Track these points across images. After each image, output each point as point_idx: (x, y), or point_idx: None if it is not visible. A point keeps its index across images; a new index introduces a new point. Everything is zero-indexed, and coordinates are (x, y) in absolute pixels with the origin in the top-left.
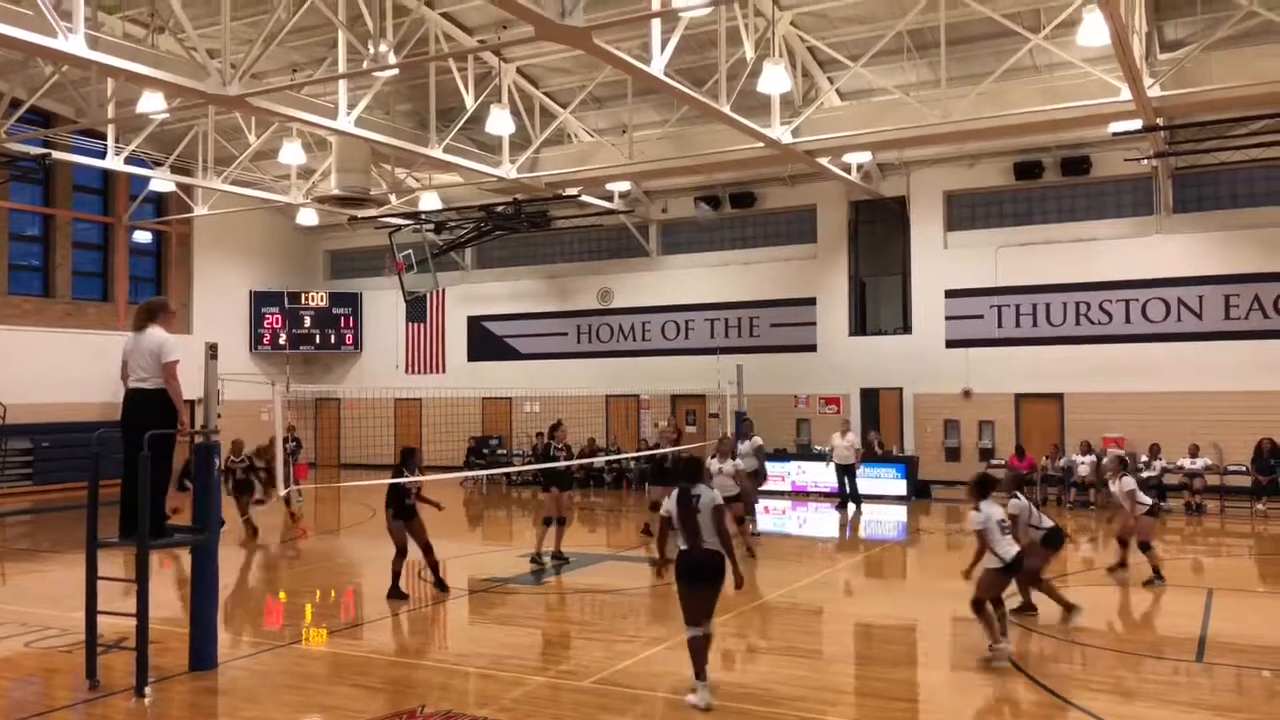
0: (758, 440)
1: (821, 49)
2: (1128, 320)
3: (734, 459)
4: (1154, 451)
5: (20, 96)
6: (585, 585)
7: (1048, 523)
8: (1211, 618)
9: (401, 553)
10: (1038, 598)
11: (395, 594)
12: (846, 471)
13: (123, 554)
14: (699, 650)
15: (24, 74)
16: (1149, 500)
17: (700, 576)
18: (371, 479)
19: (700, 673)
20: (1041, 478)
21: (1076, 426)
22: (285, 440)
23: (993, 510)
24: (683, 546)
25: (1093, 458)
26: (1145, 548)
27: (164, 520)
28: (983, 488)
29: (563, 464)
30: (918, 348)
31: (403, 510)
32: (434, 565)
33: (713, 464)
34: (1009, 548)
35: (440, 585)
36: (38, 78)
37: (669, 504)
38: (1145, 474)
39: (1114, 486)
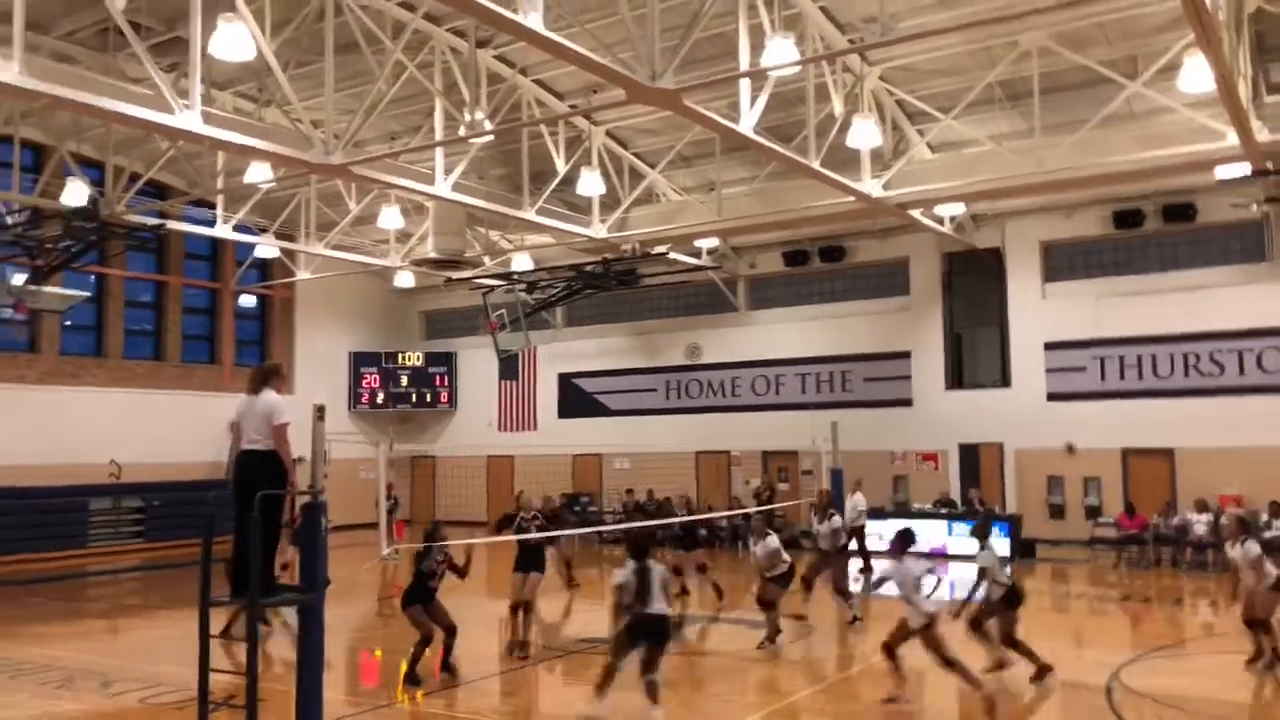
0: (838, 520)
1: (910, 102)
2: (1241, 371)
3: (832, 517)
4: (1275, 510)
5: (138, 171)
6: (688, 648)
7: (1006, 580)
8: None
9: (426, 640)
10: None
11: (411, 679)
12: (858, 533)
13: (225, 612)
14: (609, 675)
15: (143, 150)
16: (1277, 570)
17: (650, 636)
18: (466, 536)
19: (601, 691)
20: (1154, 536)
21: (1189, 483)
22: (387, 498)
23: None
24: (637, 609)
25: (1209, 516)
26: (1263, 627)
27: (273, 579)
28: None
29: (534, 536)
30: (1018, 402)
31: (423, 593)
32: (449, 648)
33: (815, 524)
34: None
35: (447, 667)
36: (154, 152)
37: (626, 575)
38: (1268, 534)
39: (1233, 552)
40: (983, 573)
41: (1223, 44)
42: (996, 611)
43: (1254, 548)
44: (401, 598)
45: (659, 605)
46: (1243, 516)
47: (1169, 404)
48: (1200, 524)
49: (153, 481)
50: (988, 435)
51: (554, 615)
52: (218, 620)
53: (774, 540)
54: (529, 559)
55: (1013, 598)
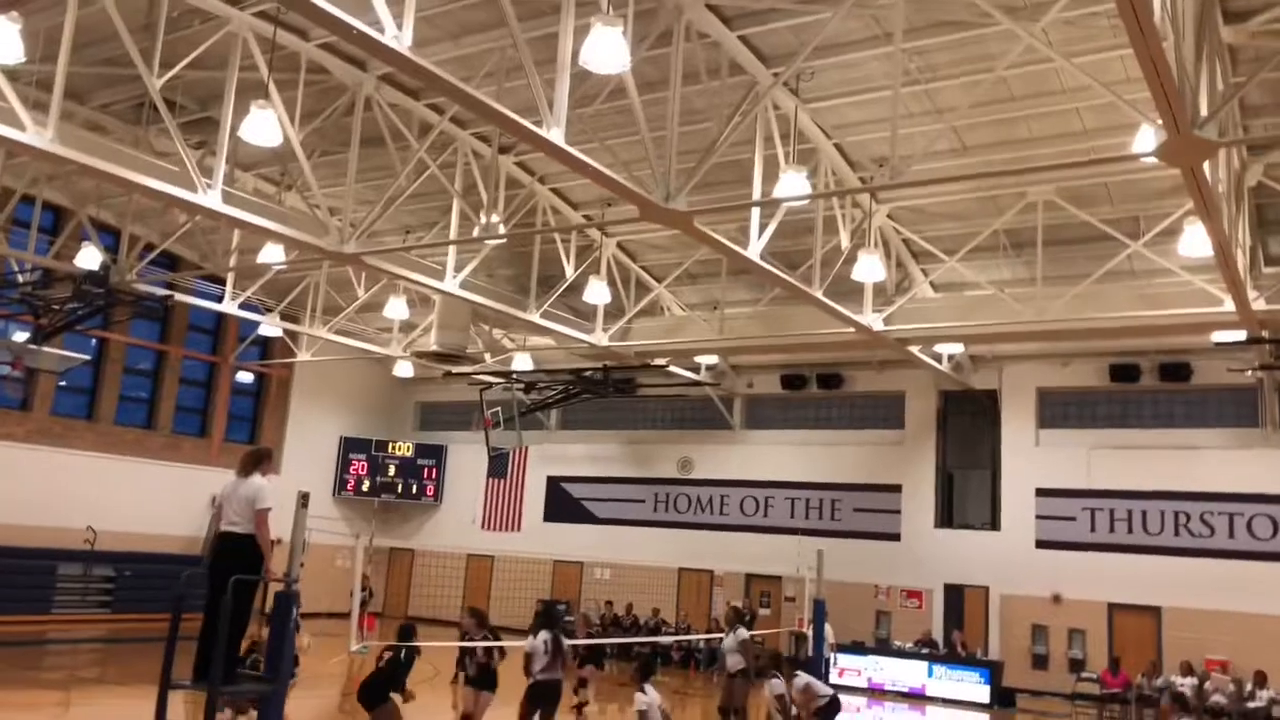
0: (743, 633)
1: (916, 241)
2: (1231, 535)
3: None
4: (1260, 680)
5: (154, 240)
6: None
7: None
8: None
9: None
10: None
11: None
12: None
13: (185, 696)
14: None
15: (160, 221)
16: None
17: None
18: (438, 635)
19: None
20: (1137, 697)
21: (1176, 644)
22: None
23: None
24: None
25: (1194, 680)
26: None
27: (238, 666)
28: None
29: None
30: (1006, 546)
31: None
32: None
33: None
34: None
35: None
36: (171, 225)
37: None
38: (1252, 704)
39: None
40: (780, 701)
41: (1221, 214)
42: None
43: None
44: (366, 692)
45: None
46: (1180, 696)
47: (1157, 561)
48: (1184, 686)
49: (127, 551)
50: (974, 577)
51: None
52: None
53: (744, 631)
54: (483, 676)
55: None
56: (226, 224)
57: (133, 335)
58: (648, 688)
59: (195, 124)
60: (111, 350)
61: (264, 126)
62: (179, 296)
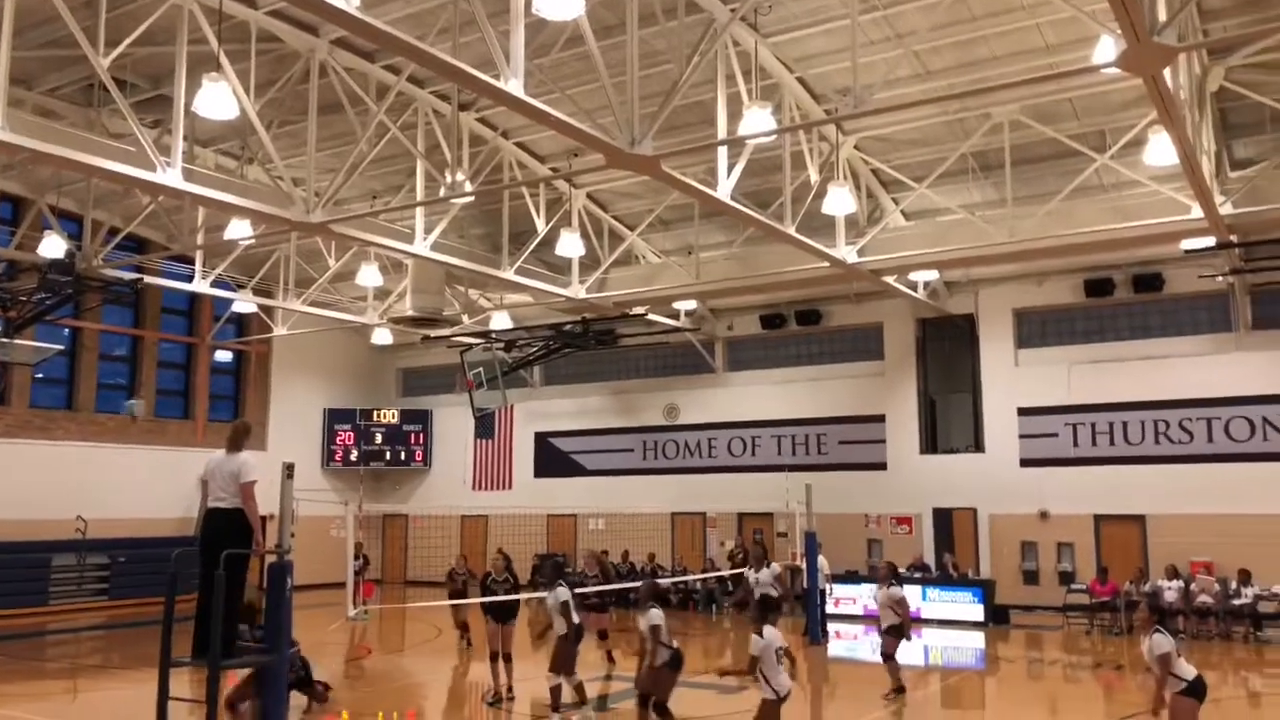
0: (776, 568)
1: (885, 171)
2: (1210, 439)
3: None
4: (1244, 577)
5: (118, 225)
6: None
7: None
8: None
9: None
10: None
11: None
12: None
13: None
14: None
15: (122, 204)
16: (1189, 675)
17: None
18: (436, 597)
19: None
20: (1126, 603)
21: (1161, 549)
22: (355, 557)
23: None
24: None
25: (1180, 583)
26: None
27: (236, 640)
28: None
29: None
30: (991, 467)
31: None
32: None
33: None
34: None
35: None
36: (134, 207)
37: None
38: (1237, 602)
39: (1143, 645)
40: (654, 632)
41: (1185, 122)
42: (660, 675)
43: (1162, 643)
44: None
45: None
46: (1160, 605)
47: (1140, 470)
48: (1171, 590)
49: (120, 538)
50: (961, 500)
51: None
52: (179, 681)
53: (776, 566)
54: (501, 608)
55: (675, 661)
56: (190, 202)
57: (105, 322)
58: (767, 629)
59: (148, 102)
60: (85, 338)
61: (218, 100)
62: (149, 279)
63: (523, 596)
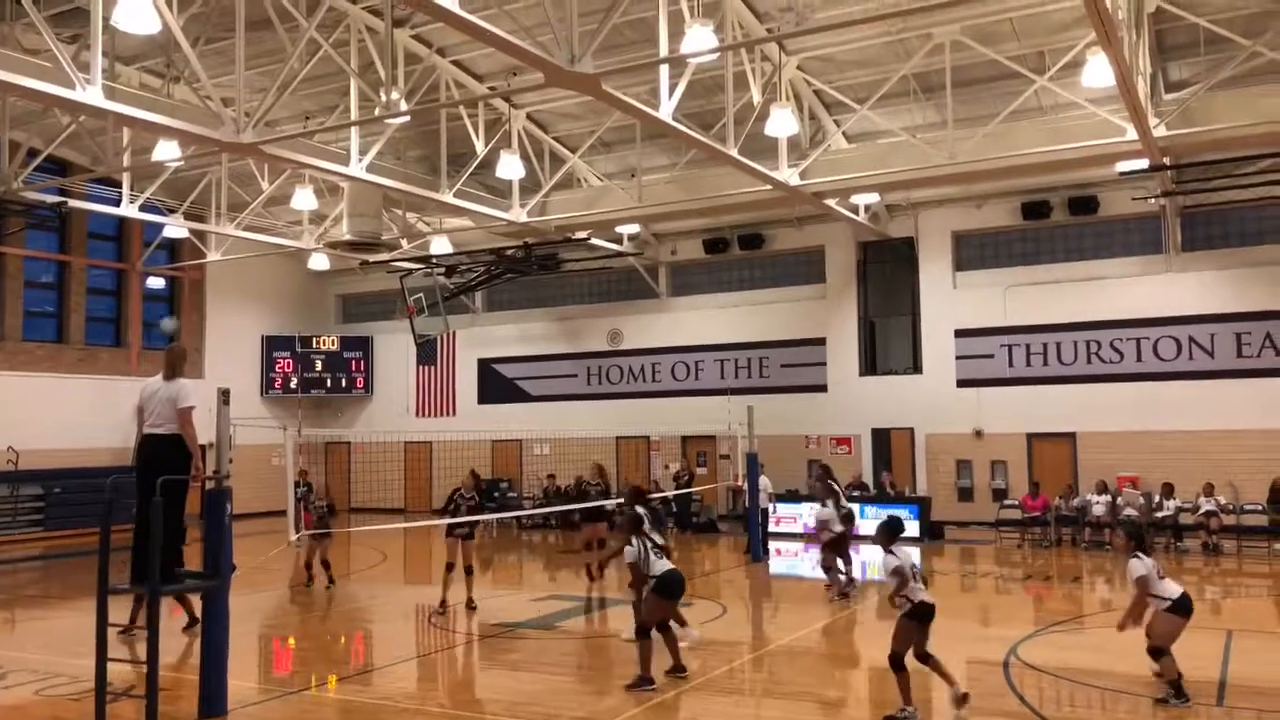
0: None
1: (828, 92)
2: (1139, 359)
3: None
4: (1168, 491)
5: (37, 146)
6: (599, 630)
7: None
8: (1231, 660)
9: None
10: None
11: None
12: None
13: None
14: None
15: (41, 124)
16: (1173, 593)
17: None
18: (381, 523)
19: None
20: (1056, 518)
21: (1090, 466)
22: (296, 485)
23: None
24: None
25: (1107, 497)
26: (1158, 654)
27: (176, 566)
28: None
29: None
30: (929, 388)
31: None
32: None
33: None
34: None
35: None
36: (54, 127)
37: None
38: (1160, 514)
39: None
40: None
41: (1122, 43)
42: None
43: (1139, 565)
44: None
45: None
46: (1138, 529)
47: (1071, 390)
48: (1099, 505)
49: (54, 469)
50: (900, 420)
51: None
52: (119, 609)
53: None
54: (464, 526)
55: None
56: (114, 123)
57: (29, 248)
58: (896, 548)
59: (64, 16)
60: (9, 265)
61: (139, 13)
62: (73, 203)
63: (485, 518)
